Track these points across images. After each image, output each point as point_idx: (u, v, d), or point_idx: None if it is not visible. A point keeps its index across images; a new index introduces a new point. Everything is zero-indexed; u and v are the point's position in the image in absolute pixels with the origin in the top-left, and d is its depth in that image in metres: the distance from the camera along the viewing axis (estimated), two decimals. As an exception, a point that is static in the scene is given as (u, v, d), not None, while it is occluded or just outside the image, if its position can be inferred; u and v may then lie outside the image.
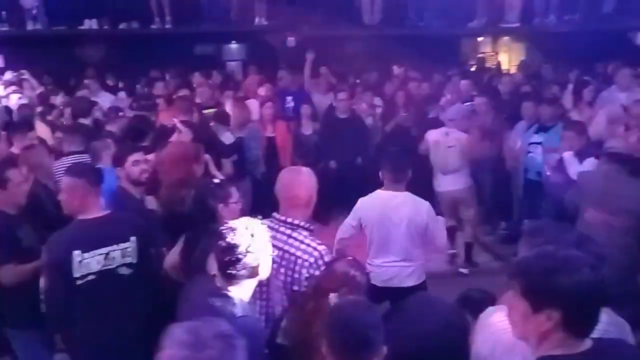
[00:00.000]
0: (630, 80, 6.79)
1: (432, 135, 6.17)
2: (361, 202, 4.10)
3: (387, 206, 3.97)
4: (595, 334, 1.78)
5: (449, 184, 5.99)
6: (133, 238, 3.24)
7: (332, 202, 7.49)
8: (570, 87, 6.54)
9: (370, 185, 7.41)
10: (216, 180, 3.47)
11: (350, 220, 4.10)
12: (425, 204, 4.02)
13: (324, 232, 6.25)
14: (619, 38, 9.54)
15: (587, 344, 1.70)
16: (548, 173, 5.59)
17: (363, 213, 4.04)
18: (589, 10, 9.01)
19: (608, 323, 2.11)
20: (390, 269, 4.00)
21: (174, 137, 5.00)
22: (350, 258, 2.56)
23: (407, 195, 4.01)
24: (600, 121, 5.80)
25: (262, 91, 7.55)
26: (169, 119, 5.81)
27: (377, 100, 7.97)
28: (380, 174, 4.08)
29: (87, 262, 3.11)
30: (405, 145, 7.12)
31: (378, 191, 4.09)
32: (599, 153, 4.51)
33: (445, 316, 2.37)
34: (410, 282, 4.02)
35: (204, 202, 3.19)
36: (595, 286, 1.65)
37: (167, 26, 10.17)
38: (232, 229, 2.38)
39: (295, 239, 2.85)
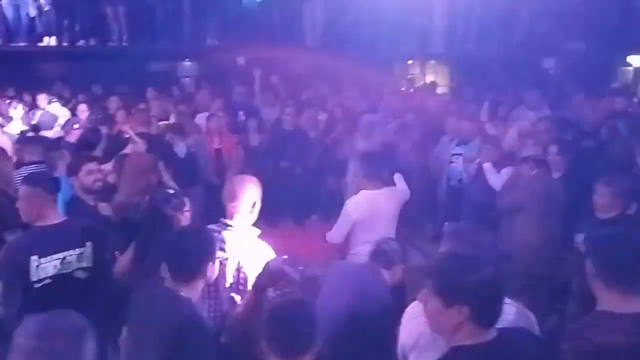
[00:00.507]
0: (537, 99, 7.08)
1: None
2: (351, 204, 4.20)
3: (375, 203, 4.12)
4: (504, 325, 1.85)
5: None
6: (89, 243, 3.15)
7: (278, 206, 7.52)
8: (486, 104, 6.76)
9: (312, 191, 7.61)
10: (170, 190, 3.36)
11: (343, 224, 4.19)
12: (405, 189, 4.29)
13: (271, 234, 6.31)
14: (528, 63, 9.96)
15: (493, 333, 1.75)
16: (467, 181, 5.76)
17: (355, 213, 4.14)
18: (502, 38, 9.36)
19: (516, 314, 2.19)
20: None
21: (128, 148, 4.88)
22: (285, 257, 2.56)
23: (388, 189, 4.22)
24: (512, 135, 6.00)
25: (214, 105, 7.45)
26: (127, 130, 5.70)
27: (321, 115, 8.03)
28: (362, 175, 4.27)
29: (44, 267, 3.00)
30: (343, 156, 7.31)
31: (363, 192, 4.21)
32: (521, 160, 4.69)
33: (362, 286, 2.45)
34: None
35: (160, 210, 3.10)
36: (496, 283, 1.70)
37: (123, 44, 9.93)
38: (184, 235, 2.35)
39: (241, 241, 2.82)
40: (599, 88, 8.02)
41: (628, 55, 10.28)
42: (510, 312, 2.07)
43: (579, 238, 3.69)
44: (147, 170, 4.00)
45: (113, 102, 7.82)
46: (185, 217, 3.14)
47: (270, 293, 2.35)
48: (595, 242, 2.23)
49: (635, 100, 8.01)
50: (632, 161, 4.56)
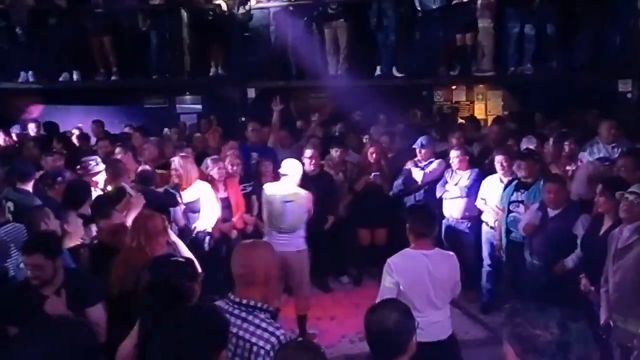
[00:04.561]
0: (616, 132, 7.00)
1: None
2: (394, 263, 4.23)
3: (422, 265, 4.17)
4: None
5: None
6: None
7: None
8: (551, 140, 6.70)
9: (341, 249, 7.61)
10: (179, 256, 3.36)
11: (383, 288, 4.20)
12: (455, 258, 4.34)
13: (291, 303, 6.31)
14: (597, 87, 9.95)
15: None
16: (523, 229, 5.69)
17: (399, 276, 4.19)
18: (565, 58, 9.40)
19: None
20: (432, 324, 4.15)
21: (123, 204, 4.99)
22: (300, 339, 2.52)
23: (438, 252, 4.29)
24: (581, 177, 5.92)
25: (226, 148, 7.52)
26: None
27: (350, 156, 8.12)
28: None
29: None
30: (379, 205, 7.36)
31: (408, 250, 4.27)
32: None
33: None
34: (443, 336, 4.27)
35: (180, 282, 3.09)
36: None
37: (112, 78, 10.27)
38: (195, 317, 2.36)
39: (251, 322, 2.78)
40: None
41: None
42: None
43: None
44: (156, 232, 4.06)
45: (102, 148, 7.99)
46: (199, 289, 3.17)
47: None
48: None
49: None
50: None
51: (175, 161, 6.30)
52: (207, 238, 6.20)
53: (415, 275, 4.16)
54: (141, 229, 4.01)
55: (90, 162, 6.22)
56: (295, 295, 6.26)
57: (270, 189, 6.17)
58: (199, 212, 6.25)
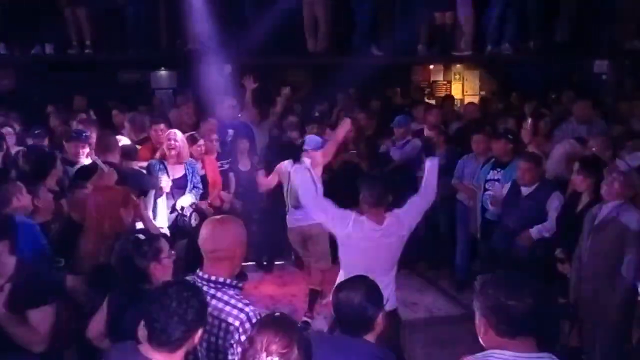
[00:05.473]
0: (590, 112, 7.07)
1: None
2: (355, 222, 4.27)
3: (370, 236, 4.20)
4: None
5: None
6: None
7: (274, 246, 7.52)
8: (530, 120, 6.74)
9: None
10: (140, 234, 3.29)
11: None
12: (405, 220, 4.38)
13: (266, 280, 6.33)
14: (573, 68, 10.02)
15: None
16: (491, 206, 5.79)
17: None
18: (542, 38, 9.42)
19: None
20: None
21: (94, 179, 4.91)
22: (277, 314, 2.48)
23: (389, 223, 4.29)
24: (558, 157, 5.96)
25: (206, 125, 7.41)
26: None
27: (328, 134, 8.07)
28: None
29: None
30: (356, 184, 7.32)
31: (362, 218, 4.29)
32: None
33: None
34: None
35: (132, 260, 3.05)
36: None
37: (86, 51, 10.05)
38: (172, 294, 2.32)
39: (220, 299, 2.76)
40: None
41: None
42: None
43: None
44: (114, 207, 3.97)
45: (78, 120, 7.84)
46: (164, 265, 3.12)
47: None
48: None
49: None
50: None
51: (174, 134, 6.24)
52: (193, 214, 6.14)
53: (360, 243, 4.19)
54: (95, 202, 3.92)
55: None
56: (312, 268, 6.20)
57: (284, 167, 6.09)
58: (184, 188, 6.21)
